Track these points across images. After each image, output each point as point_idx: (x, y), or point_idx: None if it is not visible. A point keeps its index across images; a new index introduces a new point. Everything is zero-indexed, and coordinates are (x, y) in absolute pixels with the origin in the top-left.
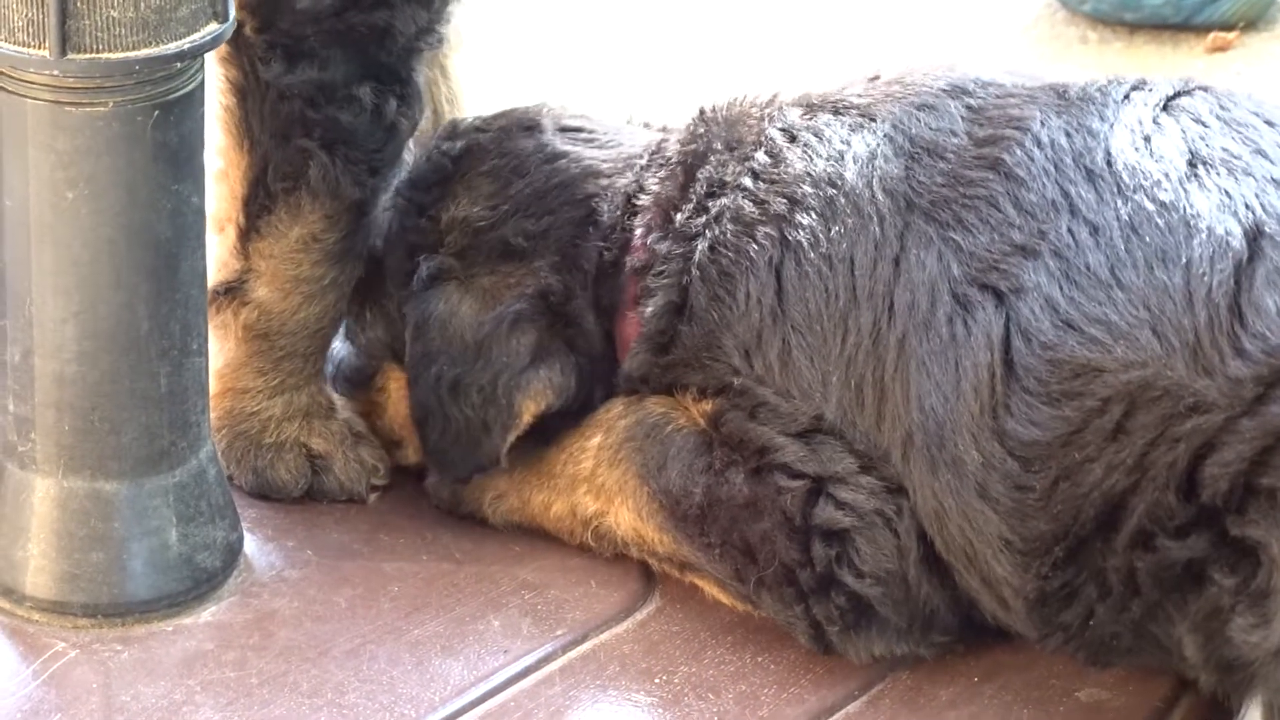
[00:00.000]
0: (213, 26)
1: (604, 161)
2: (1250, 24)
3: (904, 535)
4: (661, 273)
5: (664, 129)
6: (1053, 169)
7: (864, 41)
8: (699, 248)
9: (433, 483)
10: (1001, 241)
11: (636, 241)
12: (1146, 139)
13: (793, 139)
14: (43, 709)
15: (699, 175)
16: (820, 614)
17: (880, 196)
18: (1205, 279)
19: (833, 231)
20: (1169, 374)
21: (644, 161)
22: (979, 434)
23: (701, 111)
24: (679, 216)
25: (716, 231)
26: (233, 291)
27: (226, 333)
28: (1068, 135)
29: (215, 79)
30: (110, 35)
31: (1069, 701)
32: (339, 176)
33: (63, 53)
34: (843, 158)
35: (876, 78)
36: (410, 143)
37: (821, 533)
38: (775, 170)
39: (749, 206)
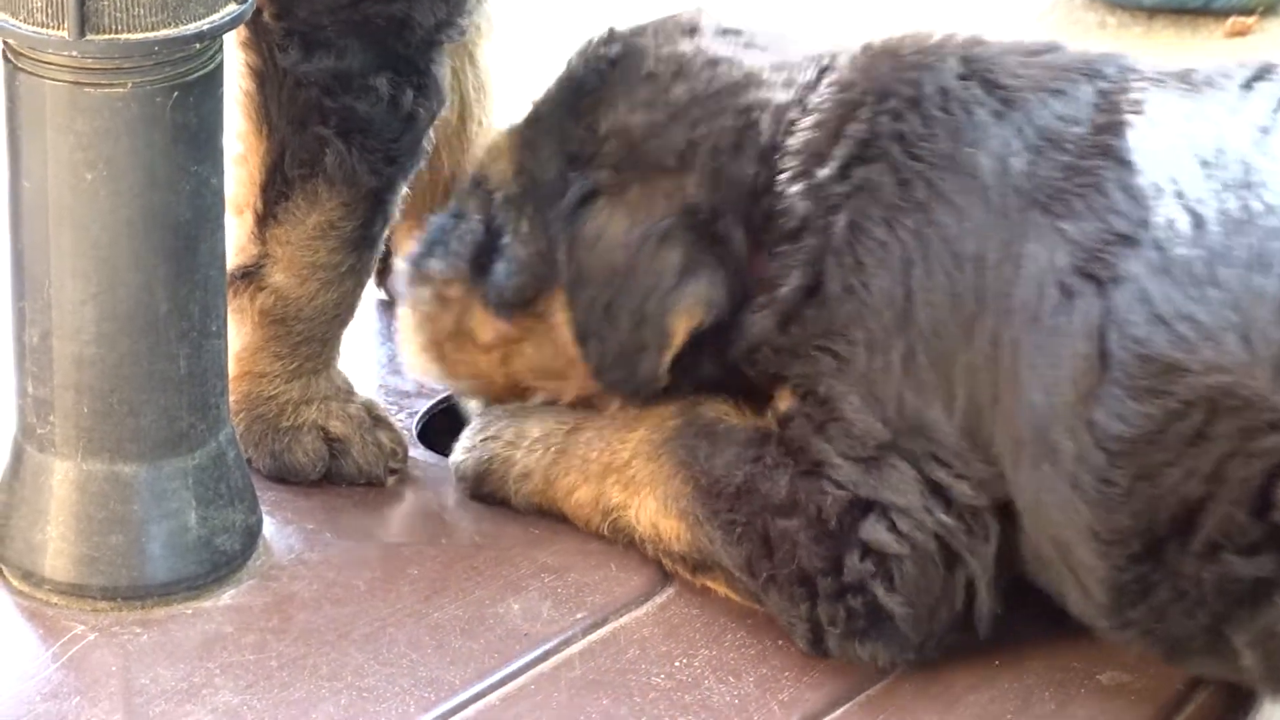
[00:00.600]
0: (231, 7)
1: (766, 69)
2: (1270, 8)
3: (961, 573)
4: (799, 245)
5: (824, 51)
6: (1164, 153)
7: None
8: (838, 224)
9: (456, 461)
10: (1105, 229)
11: (780, 187)
12: (1264, 131)
13: (945, 105)
14: (62, 691)
15: (847, 131)
16: (824, 616)
17: (1010, 195)
18: None
19: (964, 226)
20: (1250, 383)
21: (807, 79)
22: (1074, 424)
23: (865, 48)
24: (821, 173)
25: (856, 208)
26: (250, 276)
27: (243, 317)
28: (1186, 120)
29: (235, 64)
30: (129, 16)
31: (1089, 684)
32: (355, 165)
33: (81, 33)
34: (982, 146)
35: (1044, 51)
36: (431, 132)
37: (862, 547)
38: (924, 143)
39: (891, 187)
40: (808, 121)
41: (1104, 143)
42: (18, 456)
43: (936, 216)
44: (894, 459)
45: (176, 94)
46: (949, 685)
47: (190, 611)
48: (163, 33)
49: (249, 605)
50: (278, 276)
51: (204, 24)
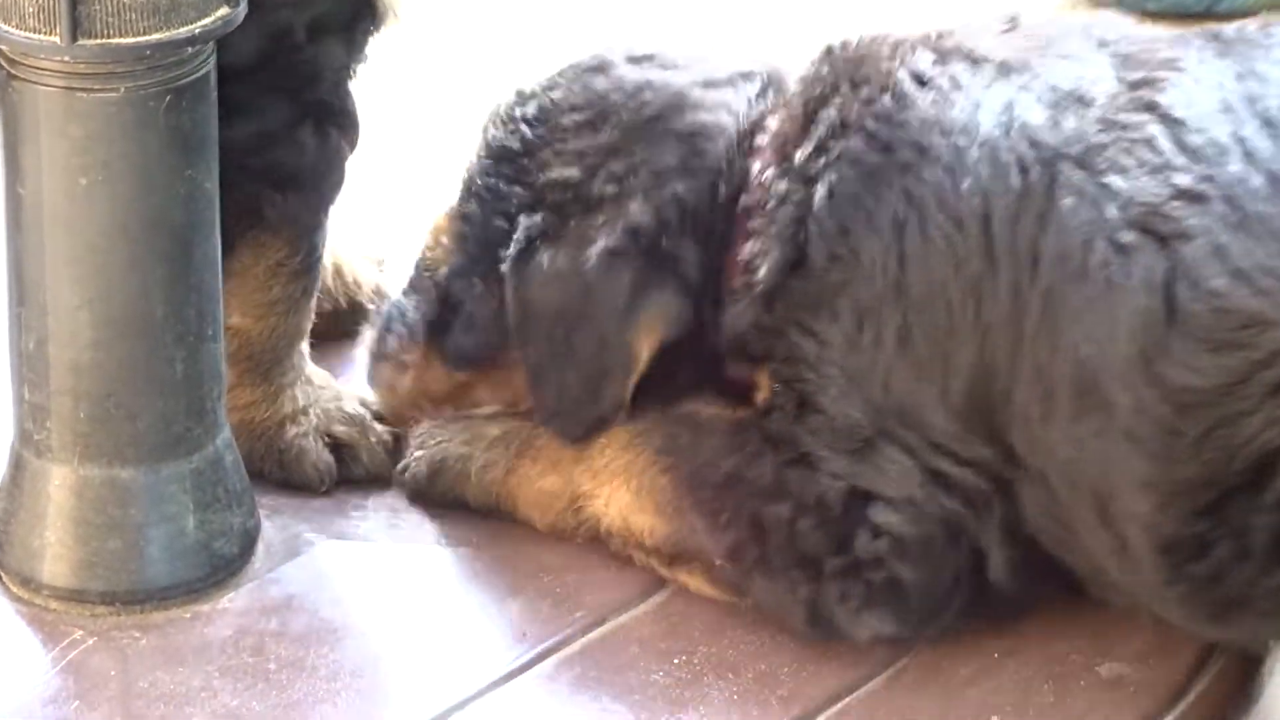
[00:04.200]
0: (224, 11)
1: (693, 86)
2: (1273, 11)
3: (967, 547)
4: (775, 220)
5: (756, 65)
6: (1220, 111)
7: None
8: (818, 194)
9: (405, 464)
10: (1163, 185)
11: (753, 179)
12: None
13: (922, 84)
14: (61, 696)
15: (820, 116)
16: (835, 594)
17: (1023, 146)
18: None
19: (964, 187)
20: None
21: (754, 91)
22: (1131, 378)
23: (828, 50)
24: (798, 155)
25: (837, 177)
26: None
27: None
28: (1237, 78)
29: None
30: (121, 20)
31: (1090, 676)
32: (293, 209)
33: (74, 38)
34: (979, 107)
35: (1011, 29)
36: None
37: (872, 529)
38: (902, 115)
39: (873, 154)
40: (774, 118)
41: (1145, 99)
42: (16, 463)
43: (927, 176)
44: (886, 448)
45: (169, 98)
46: (948, 679)
47: (189, 615)
48: (155, 37)
49: (247, 608)
50: (235, 319)
51: (196, 28)
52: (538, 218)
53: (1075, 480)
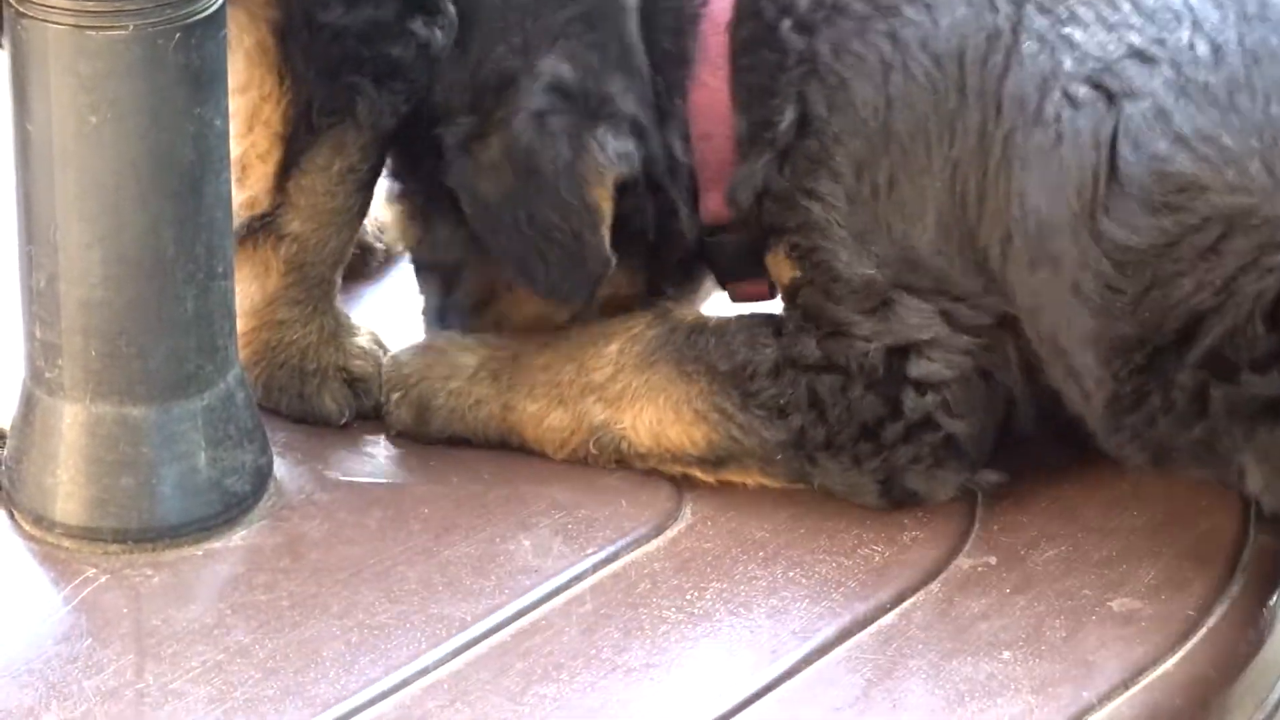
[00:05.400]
0: None
1: None
2: None
3: (997, 386)
4: (788, 78)
5: None
6: None
7: None
8: (823, 48)
9: (390, 410)
10: (1118, 43)
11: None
12: None
13: None
14: (74, 634)
15: None
16: (901, 459)
17: None
18: None
19: (943, 24)
20: (1271, 207)
21: None
22: (1077, 232)
23: None
24: (800, 3)
25: (834, 29)
26: (267, 227)
27: (267, 269)
28: None
29: (242, 18)
30: None
31: (1101, 611)
32: (381, 106)
33: None
34: None
35: None
36: None
37: (915, 385)
38: None
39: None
40: None
41: None
42: (28, 401)
43: (910, 14)
44: (903, 299)
45: (179, 35)
46: (960, 614)
47: (201, 553)
48: None
49: (260, 545)
50: (296, 224)
51: None
52: (454, 123)
53: (1038, 330)
